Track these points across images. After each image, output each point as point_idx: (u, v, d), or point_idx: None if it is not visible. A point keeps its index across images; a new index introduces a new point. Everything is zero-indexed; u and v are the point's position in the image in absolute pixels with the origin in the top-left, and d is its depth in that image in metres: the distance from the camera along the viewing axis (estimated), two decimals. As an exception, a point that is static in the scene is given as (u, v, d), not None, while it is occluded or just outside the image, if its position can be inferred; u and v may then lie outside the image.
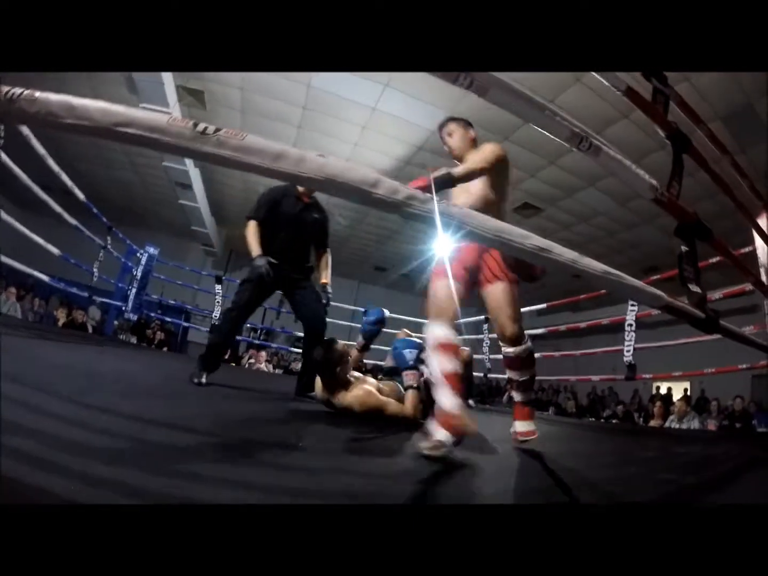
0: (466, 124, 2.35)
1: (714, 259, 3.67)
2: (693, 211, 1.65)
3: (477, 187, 2.15)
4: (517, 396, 2.33)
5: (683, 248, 1.65)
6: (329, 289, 3.46)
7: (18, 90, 0.80)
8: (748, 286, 3.69)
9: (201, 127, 0.76)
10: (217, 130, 0.77)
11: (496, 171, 2.10)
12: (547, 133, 1.17)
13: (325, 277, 3.49)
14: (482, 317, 7.06)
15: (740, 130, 6.05)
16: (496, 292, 2.20)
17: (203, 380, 3.04)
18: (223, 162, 0.77)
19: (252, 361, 8.69)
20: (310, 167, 0.79)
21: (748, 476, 1.86)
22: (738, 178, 3.01)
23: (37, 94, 0.78)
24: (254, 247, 3.16)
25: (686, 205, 1.64)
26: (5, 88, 0.81)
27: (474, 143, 2.32)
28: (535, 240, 1.02)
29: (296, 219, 3.27)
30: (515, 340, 2.20)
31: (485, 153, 2.06)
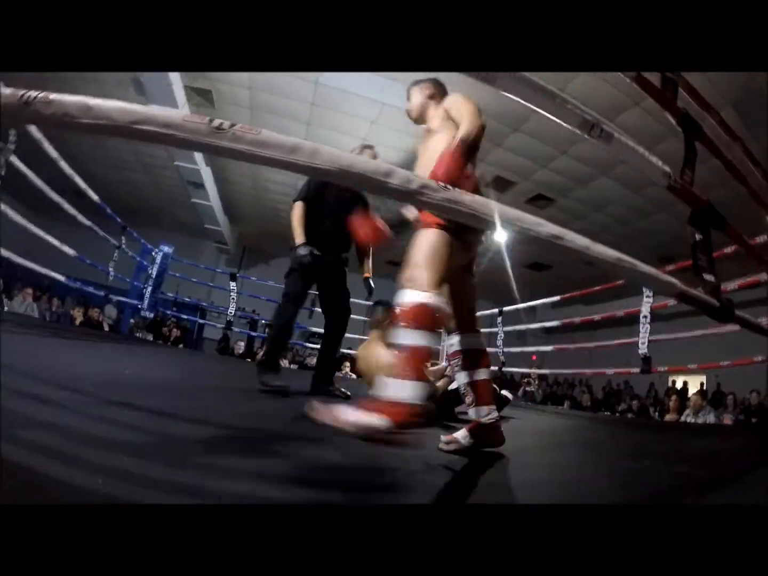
0: (421, 81, 2.13)
1: (729, 249, 3.62)
2: (706, 198, 1.64)
3: (441, 145, 1.81)
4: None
5: (697, 236, 1.64)
6: (372, 283, 3.46)
7: (33, 93, 0.81)
8: (764, 277, 3.63)
9: (216, 122, 0.77)
10: (233, 125, 0.78)
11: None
12: (559, 120, 1.16)
13: (368, 270, 3.44)
14: (496, 310, 7.05)
15: (752, 117, 5.92)
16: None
17: (275, 382, 2.93)
18: (239, 156, 0.78)
19: (266, 357, 8.72)
20: (325, 159, 0.80)
21: (761, 471, 1.84)
22: (750, 165, 2.97)
23: (53, 95, 0.79)
24: (298, 233, 3.05)
25: (699, 193, 1.63)
26: (20, 92, 0.82)
27: (434, 99, 2.08)
28: (549, 227, 1.02)
29: (340, 208, 3.05)
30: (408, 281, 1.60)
31: (469, 105, 1.80)
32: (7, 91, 0.83)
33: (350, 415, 1.28)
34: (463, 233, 1.71)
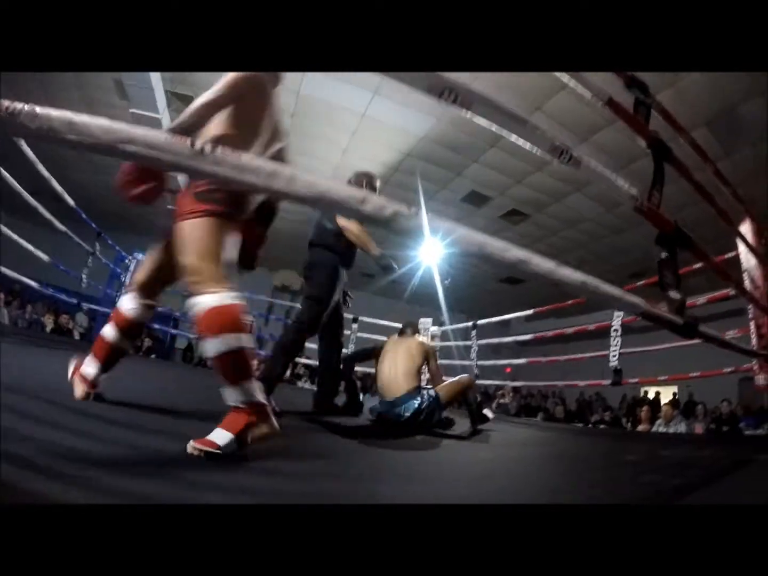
0: None
1: (698, 265, 3.73)
2: (673, 221, 1.70)
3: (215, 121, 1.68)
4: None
5: (663, 255, 1.70)
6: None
7: (19, 105, 0.81)
8: (732, 291, 3.76)
9: (198, 145, 0.79)
10: (215, 148, 0.79)
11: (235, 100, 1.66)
12: (529, 145, 1.21)
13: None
14: (470, 323, 7.12)
15: (725, 134, 6.17)
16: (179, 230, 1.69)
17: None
18: (221, 179, 0.80)
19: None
20: (302, 185, 0.82)
21: (730, 477, 1.90)
22: (720, 186, 3.08)
23: (38, 109, 0.79)
24: (373, 244, 2.97)
25: (667, 214, 1.69)
26: (5, 103, 0.82)
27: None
28: (515, 252, 1.06)
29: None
30: (193, 285, 1.57)
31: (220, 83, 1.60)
32: None
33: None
34: (233, 214, 1.66)
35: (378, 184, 3.29)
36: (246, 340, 1.49)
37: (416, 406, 2.79)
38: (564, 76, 1.64)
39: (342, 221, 2.95)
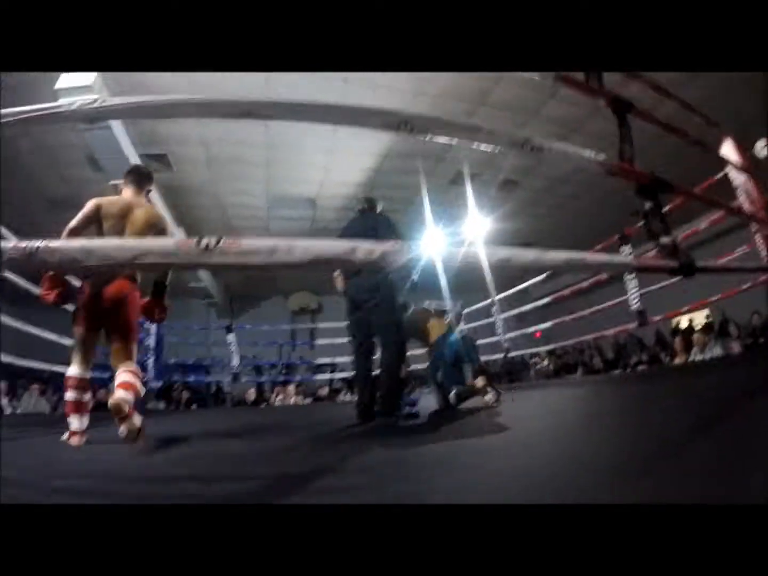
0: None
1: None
2: (647, 172, 1.76)
3: None
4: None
5: (647, 205, 1.76)
6: None
7: (35, 243, 0.88)
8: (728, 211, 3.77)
9: (204, 242, 0.88)
10: (218, 242, 0.88)
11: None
12: (491, 146, 1.29)
13: None
14: (489, 300, 7.17)
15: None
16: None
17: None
18: (230, 268, 0.89)
19: (281, 397, 8.80)
20: (299, 252, 0.92)
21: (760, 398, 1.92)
22: (690, 113, 3.13)
23: (54, 243, 0.88)
24: None
25: (640, 169, 1.75)
26: (23, 244, 0.89)
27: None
28: (499, 253, 1.14)
29: None
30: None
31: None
32: (9, 244, 0.90)
33: None
34: None
35: (378, 205, 3.69)
36: None
37: None
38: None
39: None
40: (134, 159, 7.08)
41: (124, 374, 2.72)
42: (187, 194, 8.73)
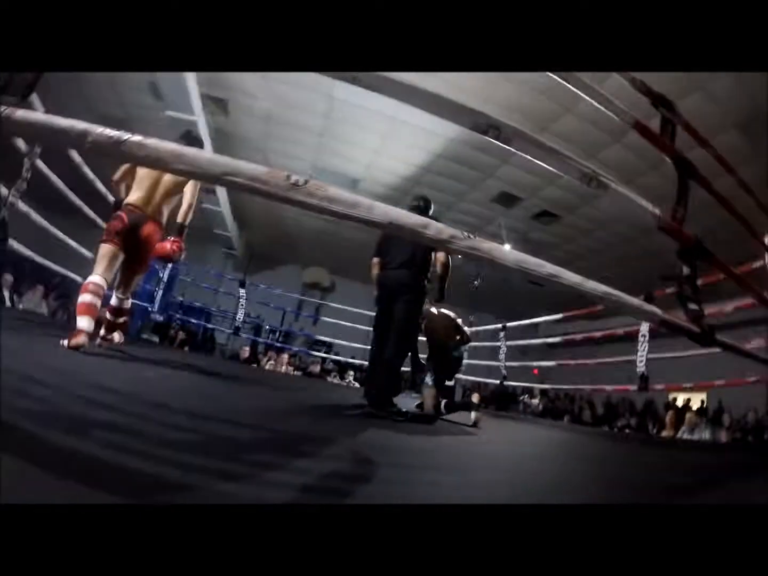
0: None
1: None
2: (694, 235, 1.80)
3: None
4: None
5: (684, 269, 1.80)
6: None
7: (125, 134, 0.93)
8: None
9: (294, 178, 0.93)
10: (306, 181, 0.94)
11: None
12: (561, 173, 1.33)
13: None
14: (499, 325, 7.20)
15: (756, 135, 6.04)
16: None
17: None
18: (311, 208, 0.94)
19: (272, 363, 8.89)
20: (378, 213, 0.98)
21: (743, 481, 1.96)
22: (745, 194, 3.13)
23: (147, 140, 0.92)
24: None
25: (688, 231, 1.79)
26: (110, 132, 0.93)
27: None
28: (548, 268, 1.20)
29: None
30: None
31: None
32: (98, 129, 0.94)
33: None
34: None
35: (432, 207, 3.77)
36: None
37: None
38: (588, 99, 1.76)
39: (440, 252, 3.41)
40: (195, 95, 7.19)
41: (116, 298, 3.57)
42: (235, 143, 8.82)
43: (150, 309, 7.68)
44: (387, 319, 3.43)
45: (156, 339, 9.27)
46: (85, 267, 6.37)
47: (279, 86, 6.91)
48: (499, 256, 1.12)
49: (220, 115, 8.00)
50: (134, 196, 3.31)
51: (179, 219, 3.42)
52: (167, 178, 3.34)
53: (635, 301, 1.46)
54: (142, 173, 3.33)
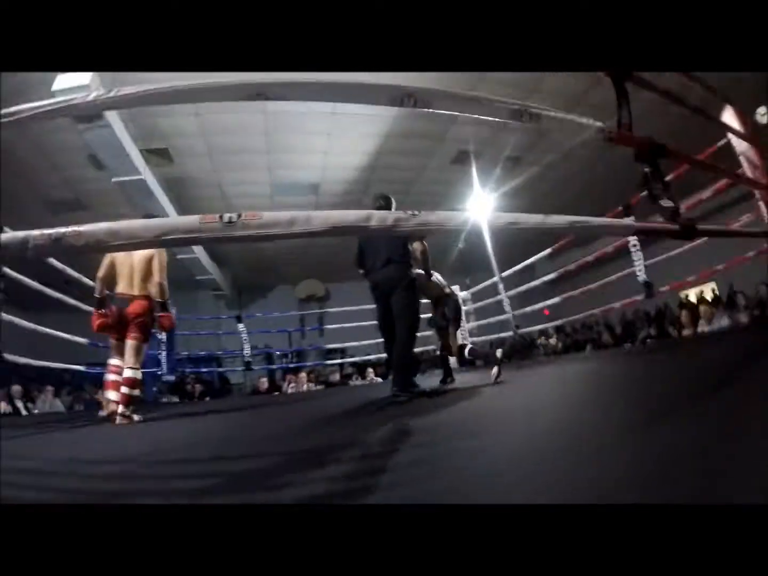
0: None
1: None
2: (646, 137, 1.78)
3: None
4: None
5: (646, 169, 1.78)
6: None
7: (62, 229, 0.93)
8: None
9: (227, 217, 0.93)
10: (239, 215, 0.93)
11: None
12: (491, 118, 1.32)
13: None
14: (495, 278, 7.19)
15: None
16: None
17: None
18: (252, 239, 0.94)
19: (293, 385, 8.89)
20: (317, 222, 0.97)
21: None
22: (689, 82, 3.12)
23: (81, 228, 0.92)
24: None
25: (638, 135, 1.77)
26: (48, 231, 0.93)
27: None
28: (505, 217, 1.18)
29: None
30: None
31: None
32: (35, 232, 0.94)
33: None
34: None
35: (393, 201, 3.95)
36: None
37: None
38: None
39: (415, 243, 3.82)
40: (135, 154, 7.14)
41: (127, 371, 3.85)
42: (189, 186, 8.79)
43: (159, 372, 7.65)
44: (389, 314, 3.67)
45: (176, 398, 9.27)
46: (82, 353, 6.43)
47: (212, 117, 6.86)
48: (453, 223, 1.11)
49: (165, 165, 7.94)
50: (120, 285, 3.94)
51: (157, 297, 3.99)
52: (137, 260, 3.94)
53: (604, 220, 1.46)
54: (119, 263, 3.95)
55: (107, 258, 3.97)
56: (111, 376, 3.98)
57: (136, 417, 3.73)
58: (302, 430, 2.40)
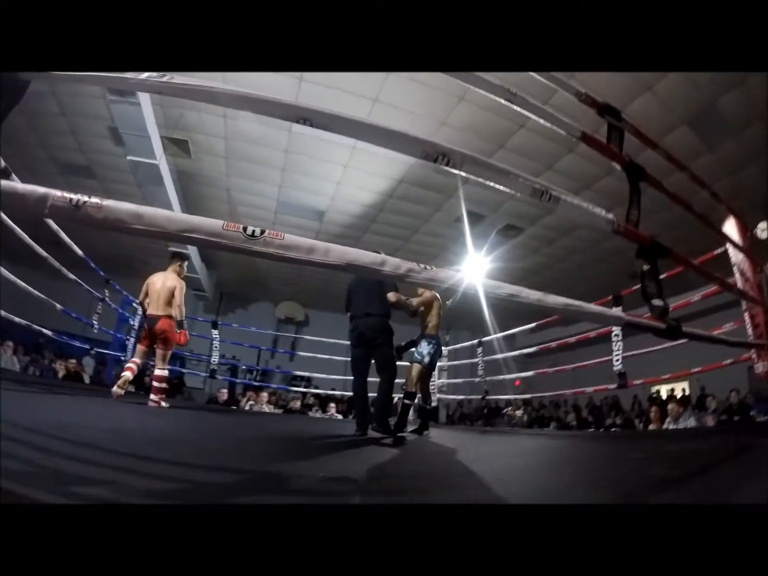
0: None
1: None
2: (650, 235, 1.86)
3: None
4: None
5: (645, 267, 1.85)
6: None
7: (83, 197, 0.91)
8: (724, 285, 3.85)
9: (250, 230, 0.95)
10: (262, 232, 0.95)
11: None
12: (513, 191, 1.37)
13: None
14: (475, 341, 7.23)
15: (707, 131, 6.36)
16: None
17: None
18: (269, 257, 0.96)
19: (252, 402, 8.75)
20: (335, 255, 1.00)
21: (728, 465, 1.98)
22: (698, 187, 3.25)
23: (104, 202, 0.92)
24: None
25: (643, 231, 1.85)
26: (69, 195, 0.91)
27: None
28: (507, 288, 1.23)
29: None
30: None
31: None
32: (57, 193, 0.92)
33: None
34: None
35: None
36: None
37: None
38: (534, 116, 1.83)
39: (392, 297, 3.93)
40: (156, 139, 7.19)
41: (158, 371, 5.04)
42: (199, 183, 8.84)
43: (123, 358, 7.50)
44: (366, 360, 3.94)
45: (132, 388, 9.06)
46: (52, 319, 6.30)
47: (238, 123, 6.96)
48: (455, 284, 1.15)
49: (182, 156, 7.99)
50: (151, 308, 4.99)
51: (177, 317, 5.05)
52: (164, 287, 5.01)
53: (596, 308, 1.51)
54: (151, 290, 5.05)
55: (144, 286, 5.13)
56: (129, 365, 5.01)
57: (164, 403, 5.05)
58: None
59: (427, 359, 4.45)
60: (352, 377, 4.09)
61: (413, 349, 4.53)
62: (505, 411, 11.16)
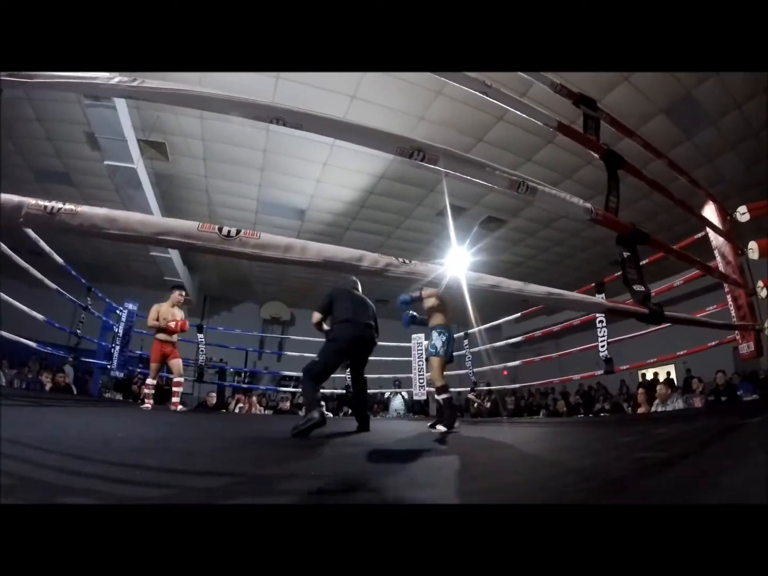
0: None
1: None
2: (628, 222, 1.87)
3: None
4: None
5: (625, 254, 1.87)
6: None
7: (58, 204, 0.91)
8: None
9: (225, 230, 0.94)
10: (238, 232, 0.95)
11: None
12: (489, 185, 1.37)
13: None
14: (462, 333, 7.26)
15: (683, 119, 6.44)
16: None
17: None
18: (246, 257, 0.95)
19: (241, 405, 8.71)
20: (312, 253, 0.99)
21: (711, 448, 2.02)
22: (677, 174, 3.30)
23: (78, 208, 0.91)
24: None
25: (622, 219, 1.87)
26: (43, 203, 0.91)
27: None
28: (488, 279, 1.23)
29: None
30: None
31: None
32: (31, 201, 0.92)
33: None
34: None
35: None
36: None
37: None
38: (510, 108, 1.84)
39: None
40: (133, 142, 7.10)
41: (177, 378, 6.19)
42: (178, 186, 8.73)
43: (109, 366, 7.42)
44: (360, 364, 4.06)
45: (119, 396, 8.98)
46: (36, 330, 6.20)
47: (215, 124, 6.90)
48: (434, 276, 1.15)
49: (159, 159, 7.90)
50: (160, 334, 6.07)
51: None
52: (167, 313, 6.15)
53: (577, 296, 1.52)
54: (160, 316, 6.10)
55: (153, 312, 6.14)
56: (149, 390, 6.05)
57: (180, 407, 6.14)
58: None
59: (442, 350, 4.47)
60: (343, 376, 4.10)
61: (427, 344, 4.51)
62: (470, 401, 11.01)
